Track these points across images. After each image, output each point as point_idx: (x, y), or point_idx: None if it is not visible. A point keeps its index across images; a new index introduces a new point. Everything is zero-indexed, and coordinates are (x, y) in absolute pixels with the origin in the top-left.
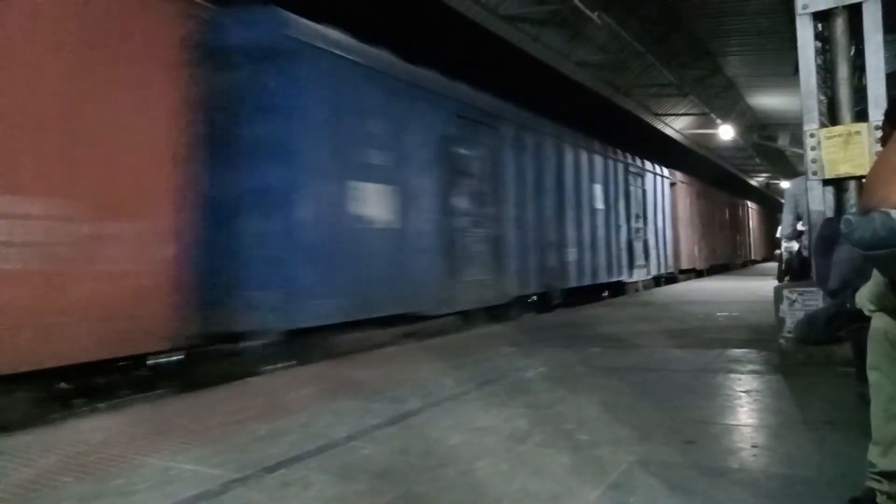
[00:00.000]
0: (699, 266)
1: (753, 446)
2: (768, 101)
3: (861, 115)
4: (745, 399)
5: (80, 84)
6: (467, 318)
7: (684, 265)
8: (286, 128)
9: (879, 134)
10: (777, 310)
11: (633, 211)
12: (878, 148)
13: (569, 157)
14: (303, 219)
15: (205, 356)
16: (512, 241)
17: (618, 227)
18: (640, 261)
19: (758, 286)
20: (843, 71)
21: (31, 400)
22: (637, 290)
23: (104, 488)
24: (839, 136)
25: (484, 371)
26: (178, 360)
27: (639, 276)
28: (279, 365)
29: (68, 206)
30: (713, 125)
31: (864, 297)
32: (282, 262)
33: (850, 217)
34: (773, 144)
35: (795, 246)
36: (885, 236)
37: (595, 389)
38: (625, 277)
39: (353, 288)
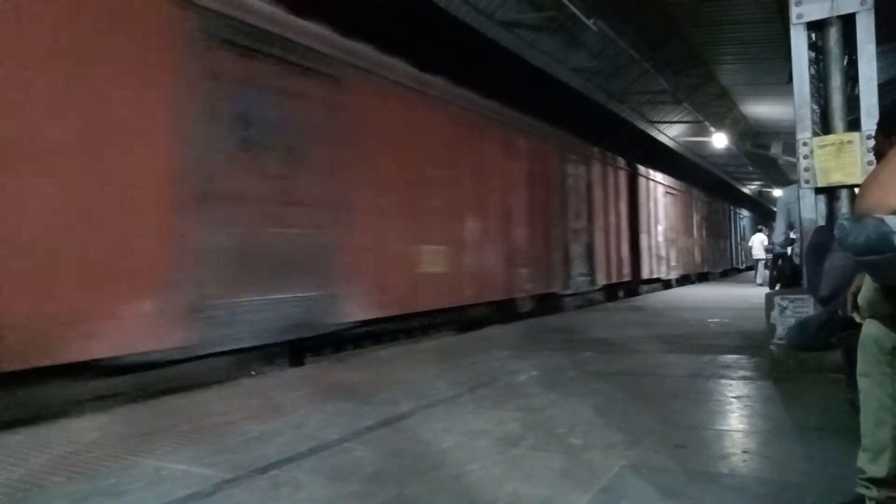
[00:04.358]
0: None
1: (744, 452)
2: (762, 109)
3: (853, 124)
4: (736, 405)
5: None
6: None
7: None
8: None
9: (872, 143)
10: (768, 316)
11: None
12: (871, 157)
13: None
14: None
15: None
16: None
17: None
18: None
19: (750, 293)
20: (836, 80)
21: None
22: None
23: (94, 488)
24: (832, 144)
25: (477, 374)
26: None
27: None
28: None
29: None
30: (707, 133)
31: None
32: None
33: (843, 222)
34: (766, 153)
35: (763, 254)
36: (877, 241)
37: (587, 393)
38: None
39: None
